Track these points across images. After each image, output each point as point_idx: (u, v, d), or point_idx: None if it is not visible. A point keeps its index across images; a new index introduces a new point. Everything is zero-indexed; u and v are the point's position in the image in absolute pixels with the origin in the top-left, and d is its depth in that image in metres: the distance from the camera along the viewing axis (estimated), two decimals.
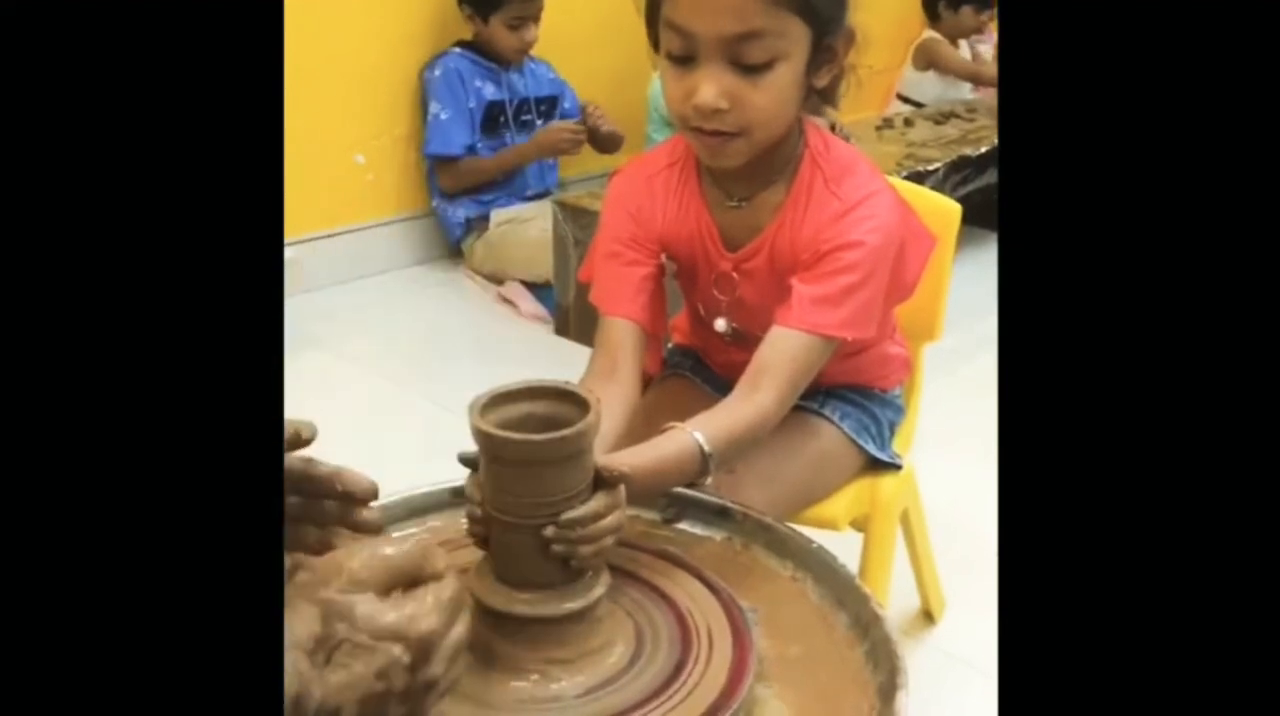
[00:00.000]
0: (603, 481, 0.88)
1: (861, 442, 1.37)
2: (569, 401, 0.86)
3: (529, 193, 3.17)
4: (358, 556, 0.68)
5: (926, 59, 4.00)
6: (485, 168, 3.08)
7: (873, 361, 1.37)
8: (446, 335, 2.86)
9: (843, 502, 1.36)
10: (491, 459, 0.84)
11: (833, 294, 1.16)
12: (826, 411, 1.36)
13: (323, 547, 0.80)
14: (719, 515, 1.05)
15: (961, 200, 1.52)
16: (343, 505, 0.80)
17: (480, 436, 0.83)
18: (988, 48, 4.11)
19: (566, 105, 3.24)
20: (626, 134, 3.24)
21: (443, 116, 3.02)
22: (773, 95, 1.13)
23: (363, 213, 3.12)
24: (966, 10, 3.93)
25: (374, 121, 3.09)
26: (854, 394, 1.38)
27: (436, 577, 0.70)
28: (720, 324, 1.32)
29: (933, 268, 1.32)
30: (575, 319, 2.75)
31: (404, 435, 2.33)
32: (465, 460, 0.93)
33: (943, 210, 1.47)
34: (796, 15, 1.10)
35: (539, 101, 3.18)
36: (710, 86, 1.11)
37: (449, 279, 3.17)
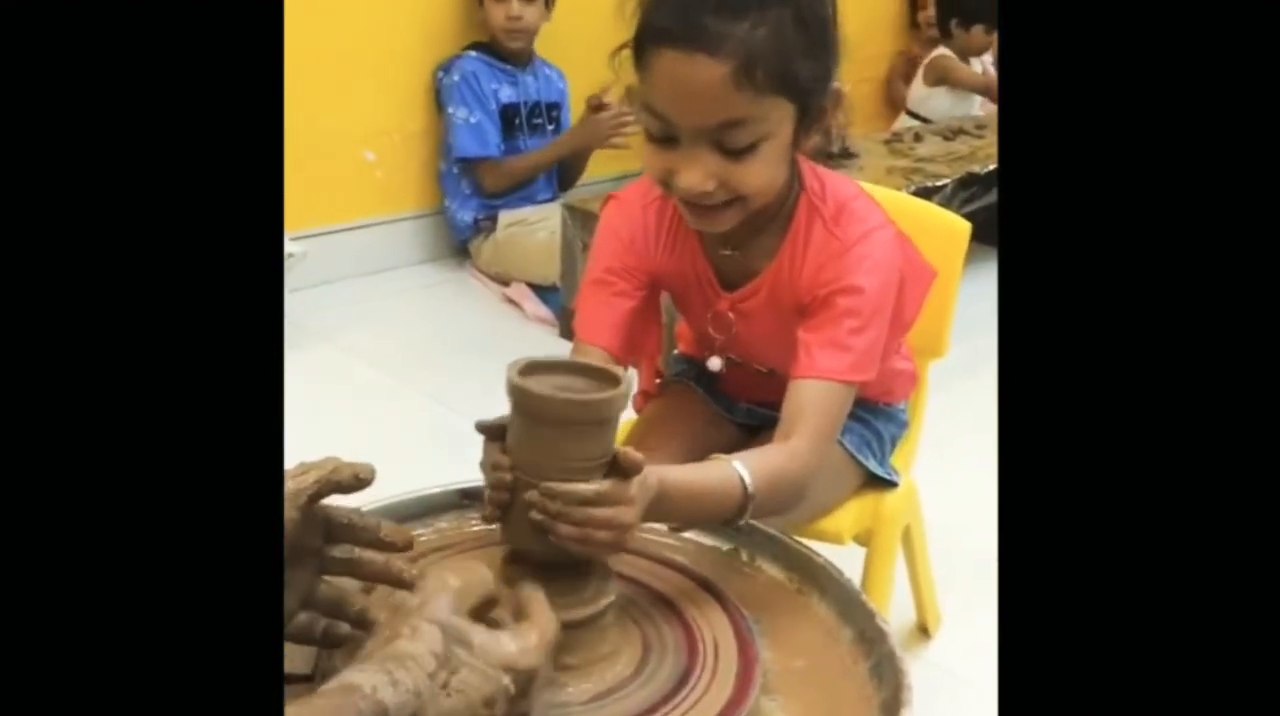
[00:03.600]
0: (618, 467, 0.86)
1: (862, 458, 1.37)
2: (603, 379, 0.87)
3: (540, 198, 3.18)
4: (454, 581, 0.72)
5: (938, 75, 4.01)
6: (536, 162, 3.09)
7: (882, 375, 1.35)
8: (452, 334, 2.86)
9: (847, 517, 1.37)
10: (529, 418, 0.85)
11: (839, 339, 1.15)
12: None
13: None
14: (725, 525, 1.06)
15: (969, 217, 1.52)
16: (383, 555, 0.83)
17: (517, 393, 0.84)
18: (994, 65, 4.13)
19: (567, 114, 3.25)
20: (635, 142, 3.24)
21: (471, 120, 3.03)
22: (760, 172, 1.10)
23: (371, 209, 3.13)
24: (978, 29, 3.93)
25: (385, 119, 3.10)
26: (859, 410, 1.37)
27: (525, 614, 0.75)
28: (714, 363, 1.31)
29: (939, 285, 1.33)
30: None
31: (407, 432, 2.34)
32: (483, 427, 0.91)
33: (951, 228, 1.48)
34: (779, 95, 1.07)
35: (550, 106, 3.19)
36: (694, 173, 1.08)
37: (455, 278, 3.18)
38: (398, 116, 3.13)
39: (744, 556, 1.03)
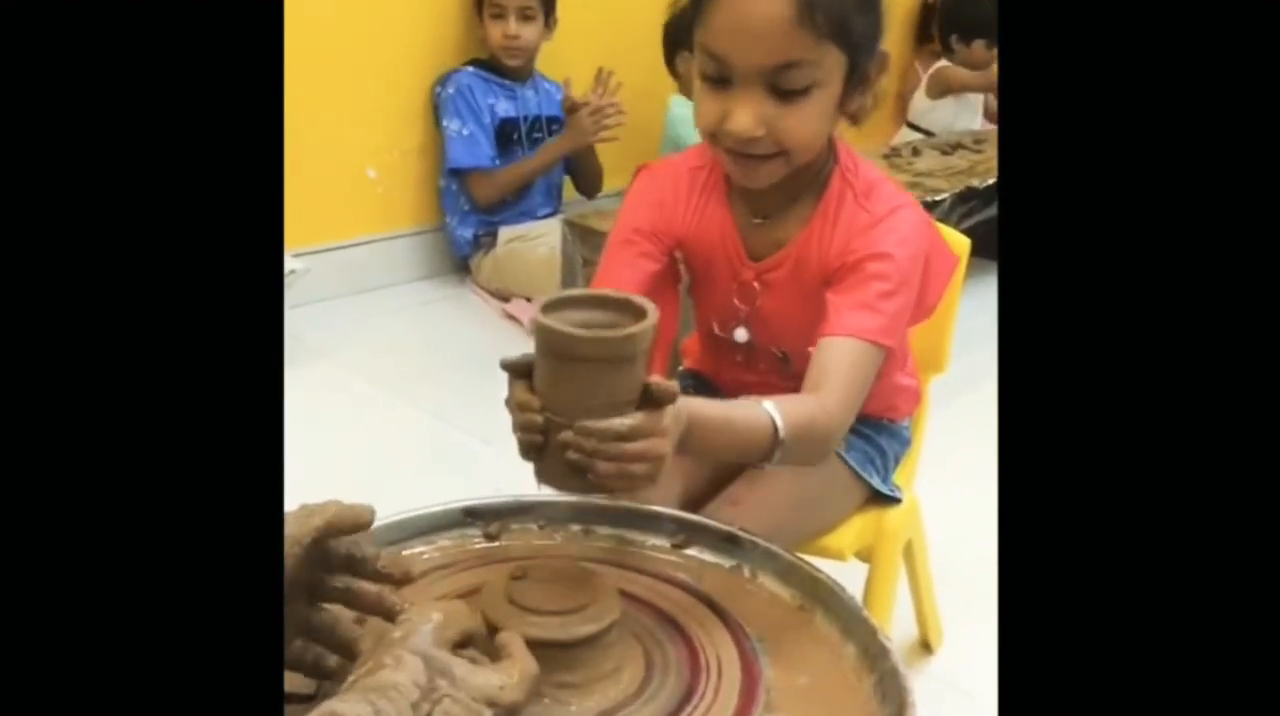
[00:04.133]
0: (651, 398, 0.87)
1: (866, 476, 1.37)
2: (628, 311, 0.88)
3: (540, 213, 3.19)
4: (436, 614, 0.73)
5: (941, 86, 4.03)
6: (526, 170, 3.09)
7: (885, 391, 1.36)
8: (452, 349, 2.86)
9: (849, 534, 1.37)
10: (557, 357, 0.85)
11: (868, 300, 1.16)
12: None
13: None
14: (728, 542, 1.05)
15: (967, 232, 1.53)
16: (376, 587, 0.83)
17: (544, 332, 0.85)
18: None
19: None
20: (640, 156, 3.25)
21: (464, 132, 3.04)
22: (808, 121, 1.13)
23: (372, 225, 3.14)
24: (979, 44, 3.96)
25: (385, 136, 3.11)
26: (863, 426, 1.37)
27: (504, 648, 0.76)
28: (741, 333, 1.31)
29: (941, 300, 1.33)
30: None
31: (408, 448, 2.34)
32: (508, 365, 0.91)
33: (951, 243, 1.48)
34: (834, 43, 1.10)
35: (550, 120, 3.19)
36: (745, 114, 1.11)
37: (456, 294, 3.19)
38: (398, 133, 3.13)
39: (746, 573, 1.03)
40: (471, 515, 1.08)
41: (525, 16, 3.03)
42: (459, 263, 3.23)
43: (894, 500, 1.41)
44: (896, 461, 1.44)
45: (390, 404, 2.55)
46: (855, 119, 1.21)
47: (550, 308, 0.86)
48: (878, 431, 1.40)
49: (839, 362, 1.14)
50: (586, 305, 0.89)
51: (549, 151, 3.10)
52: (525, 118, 3.14)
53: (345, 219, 3.09)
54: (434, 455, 2.33)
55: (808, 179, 1.23)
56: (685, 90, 3.23)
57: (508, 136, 3.11)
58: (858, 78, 1.15)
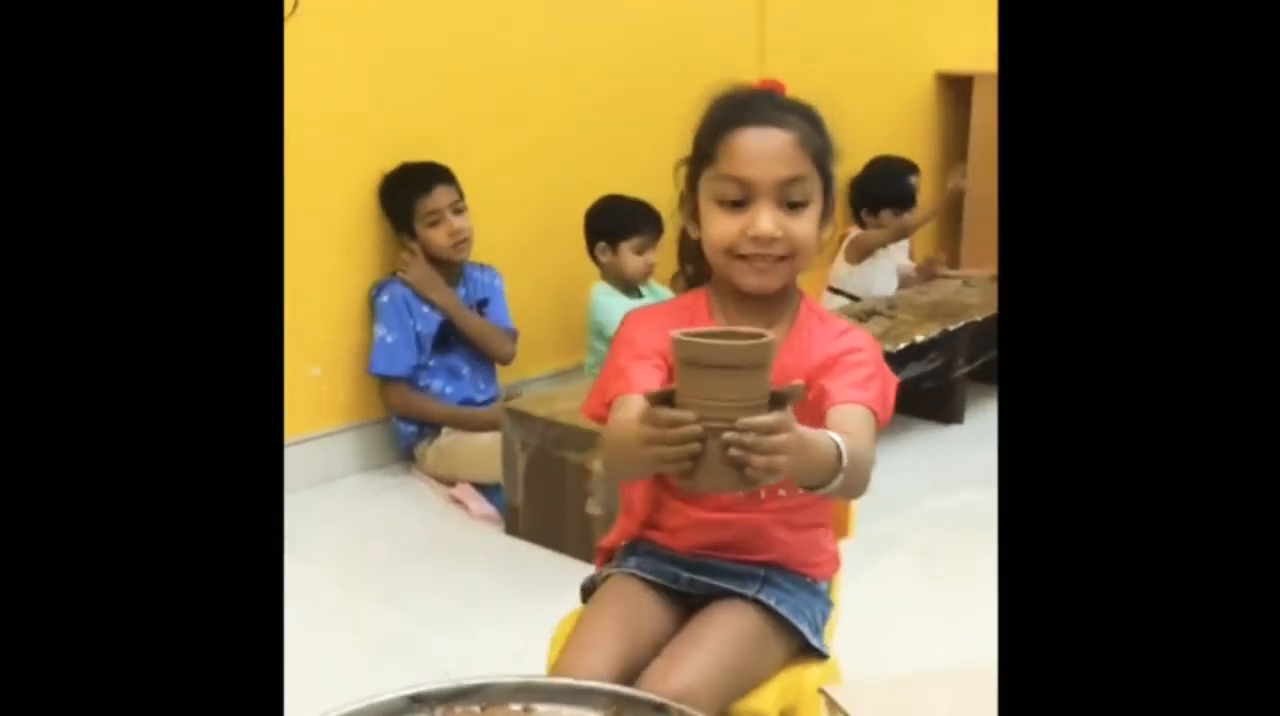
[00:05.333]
0: (779, 401, 1.07)
1: (797, 624, 1.47)
2: (743, 337, 1.10)
3: (479, 400, 3.30)
4: None
5: (859, 251, 4.26)
6: (439, 412, 3.22)
7: (813, 542, 1.54)
8: (399, 537, 2.92)
9: (771, 694, 1.44)
10: (720, 367, 1.05)
11: (857, 381, 1.40)
12: (764, 596, 1.47)
13: None
14: (658, 712, 1.13)
15: None
16: None
17: (687, 347, 1.08)
18: (907, 262, 4.44)
19: (494, 306, 3.37)
20: (566, 338, 3.40)
21: (389, 339, 3.17)
22: (810, 228, 1.44)
23: (318, 421, 3.20)
24: (886, 213, 4.24)
25: (328, 334, 3.20)
26: (789, 582, 1.50)
27: None
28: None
29: None
30: (525, 518, 2.85)
31: (356, 636, 2.39)
32: (652, 395, 1.12)
33: None
34: (816, 169, 1.43)
35: (479, 304, 3.33)
36: (767, 219, 1.40)
37: (401, 483, 3.25)
38: (339, 332, 3.23)
39: None
40: (418, 700, 1.14)
41: (457, 210, 3.19)
42: (403, 453, 3.31)
43: (820, 655, 1.50)
44: (824, 619, 1.54)
45: (336, 595, 2.60)
46: (821, 246, 1.47)
47: (691, 336, 1.09)
48: (803, 588, 1.52)
49: (853, 418, 1.36)
50: (710, 336, 1.11)
51: (458, 415, 3.22)
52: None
53: (292, 416, 3.15)
54: (383, 642, 2.38)
55: (782, 306, 1.48)
56: (606, 277, 3.40)
57: (444, 337, 3.24)
58: (828, 205, 1.46)
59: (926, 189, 4.55)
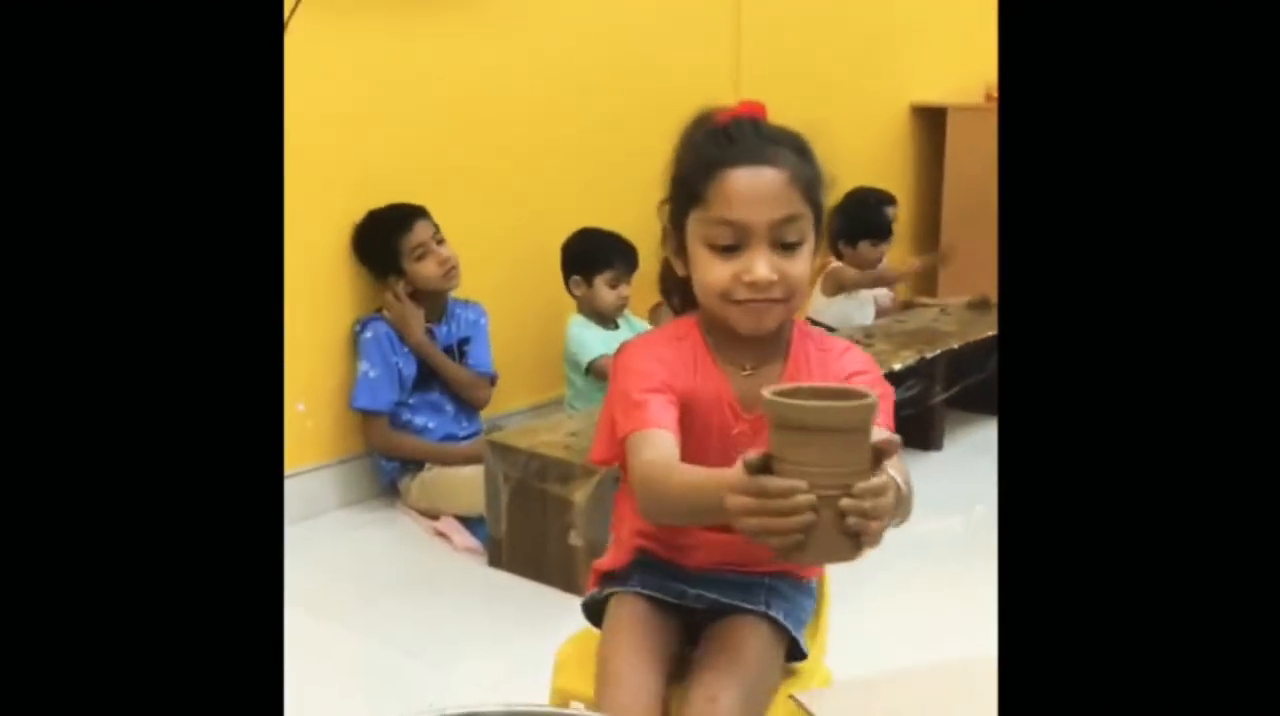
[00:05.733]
0: (881, 455, 1.01)
1: (796, 634, 1.51)
2: (836, 395, 1.03)
3: (461, 435, 3.31)
4: None
5: (835, 284, 4.29)
6: (413, 451, 3.23)
7: None
8: (383, 570, 2.94)
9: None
10: (832, 431, 0.97)
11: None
12: (773, 611, 1.49)
13: None
14: None
15: None
16: None
17: (795, 410, 0.98)
18: (884, 291, 4.45)
19: (475, 346, 3.38)
20: (544, 371, 3.44)
21: (371, 374, 3.19)
22: (804, 268, 1.40)
23: (302, 457, 3.21)
24: (864, 244, 4.26)
25: (311, 370, 3.21)
26: (789, 588, 1.54)
27: None
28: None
29: None
30: (508, 550, 2.86)
31: (346, 671, 2.40)
32: (751, 462, 1.03)
33: None
34: (808, 205, 1.39)
35: (460, 342, 3.35)
36: (763, 264, 1.36)
37: (384, 518, 3.26)
38: (322, 368, 3.24)
39: None
40: None
41: (439, 241, 3.21)
42: (386, 487, 3.33)
43: (802, 655, 1.53)
44: (809, 616, 1.59)
45: (321, 628, 2.60)
46: (811, 279, 1.45)
47: (785, 394, 1.00)
48: (796, 589, 1.55)
49: None
50: (805, 395, 1.02)
51: (439, 452, 3.23)
52: (445, 349, 3.29)
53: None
54: (369, 675, 2.39)
55: (780, 336, 1.46)
56: (582, 310, 3.43)
57: (426, 376, 3.26)
58: (819, 237, 1.43)
59: (903, 219, 4.60)
